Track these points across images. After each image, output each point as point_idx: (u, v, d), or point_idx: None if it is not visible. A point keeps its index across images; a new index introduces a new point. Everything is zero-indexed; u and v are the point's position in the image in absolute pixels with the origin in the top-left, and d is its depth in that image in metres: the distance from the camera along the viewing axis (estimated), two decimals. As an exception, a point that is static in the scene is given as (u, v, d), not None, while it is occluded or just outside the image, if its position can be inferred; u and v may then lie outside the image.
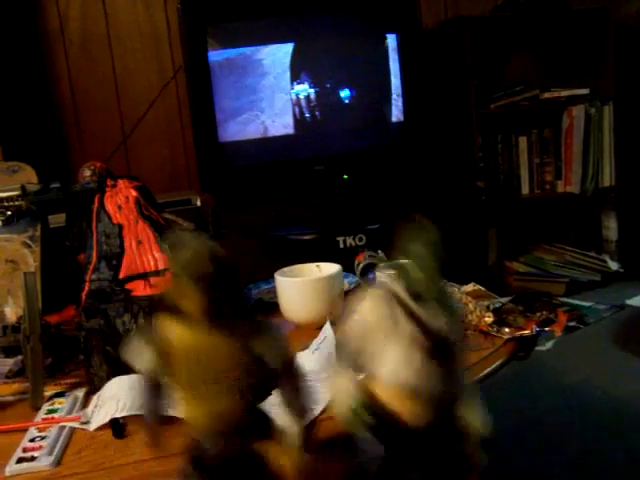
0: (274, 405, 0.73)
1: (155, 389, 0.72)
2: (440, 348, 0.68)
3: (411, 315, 0.68)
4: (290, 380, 0.72)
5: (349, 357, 0.73)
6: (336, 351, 0.76)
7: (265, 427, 0.72)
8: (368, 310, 0.71)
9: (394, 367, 0.69)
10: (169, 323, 0.68)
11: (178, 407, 0.71)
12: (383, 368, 0.70)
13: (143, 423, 0.73)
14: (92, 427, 0.91)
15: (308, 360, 1.04)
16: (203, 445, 0.70)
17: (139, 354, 0.70)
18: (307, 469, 0.70)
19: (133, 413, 0.90)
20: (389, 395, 0.70)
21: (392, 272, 0.72)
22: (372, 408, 0.70)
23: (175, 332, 0.68)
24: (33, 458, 0.84)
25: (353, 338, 0.72)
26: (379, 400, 0.70)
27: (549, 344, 2.59)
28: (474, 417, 0.71)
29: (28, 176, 1.53)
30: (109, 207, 1.12)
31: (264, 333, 0.70)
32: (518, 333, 1.10)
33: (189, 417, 0.70)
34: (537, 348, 2.37)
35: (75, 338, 1.06)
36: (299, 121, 2.69)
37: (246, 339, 0.69)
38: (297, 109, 2.69)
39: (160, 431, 0.73)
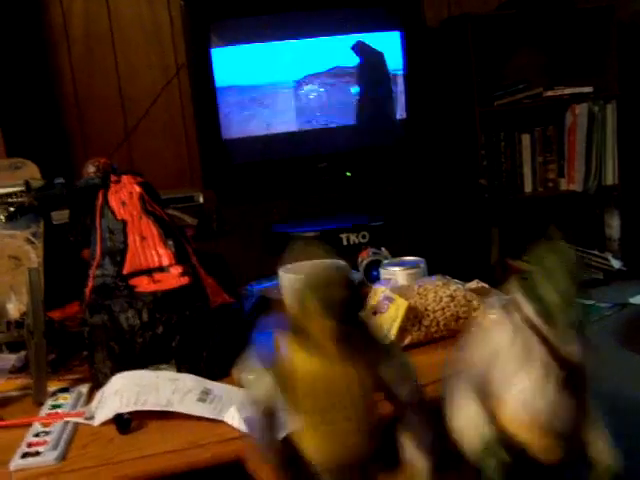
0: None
1: (271, 419, 0.68)
2: (573, 377, 0.64)
3: (544, 341, 0.63)
4: (419, 413, 0.68)
5: (475, 385, 0.68)
6: (461, 378, 0.70)
7: (392, 461, 0.68)
8: (497, 334, 0.66)
9: (525, 397, 0.64)
10: (293, 347, 0.64)
11: (298, 437, 0.67)
12: (513, 398, 0.65)
13: (261, 455, 0.69)
14: (96, 422, 0.91)
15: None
16: (324, 478, 0.66)
17: (257, 379, 0.66)
18: None
19: (137, 409, 0.90)
20: (518, 427, 0.65)
21: (520, 293, 0.66)
22: (502, 442, 0.65)
23: (300, 357, 0.64)
24: (38, 453, 0.84)
25: (480, 364, 0.67)
26: (507, 433, 0.65)
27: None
28: (604, 450, 0.66)
29: (31, 172, 1.52)
30: (113, 203, 1.12)
31: (392, 361, 0.66)
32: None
33: (310, 448, 0.66)
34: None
35: (79, 334, 1.06)
36: (302, 118, 2.69)
37: (375, 368, 0.65)
38: (300, 106, 2.69)
39: (281, 461, 0.68)
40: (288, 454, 0.68)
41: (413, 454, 0.68)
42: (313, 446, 0.65)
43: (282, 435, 0.68)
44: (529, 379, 0.63)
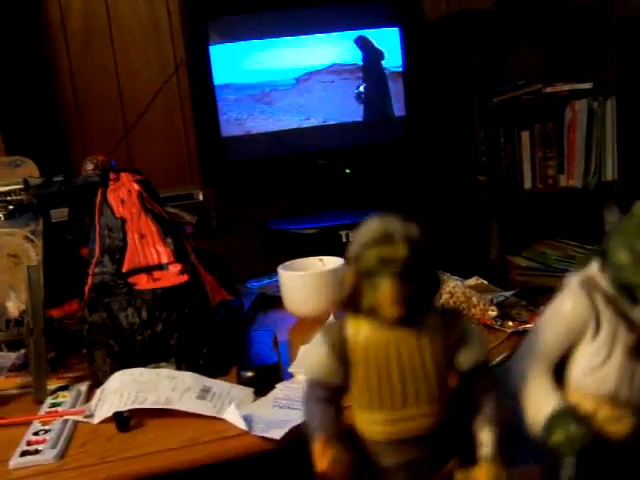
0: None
1: (330, 399, 0.63)
2: None
3: (621, 315, 0.61)
4: (484, 385, 0.63)
5: (546, 359, 0.65)
6: (531, 352, 0.67)
7: (456, 437, 0.64)
8: (569, 306, 0.63)
9: (601, 372, 0.62)
10: (357, 325, 0.60)
11: (355, 413, 0.63)
12: (577, 364, 0.63)
13: (313, 439, 0.63)
14: (96, 420, 0.91)
15: (311, 354, 1.04)
16: (380, 457, 0.62)
17: (314, 357, 0.63)
18: None
19: (137, 407, 0.90)
20: (583, 396, 0.63)
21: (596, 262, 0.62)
22: (572, 415, 0.62)
23: (364, 336, 0.60)
24: (37, 451, 0.84)
25: (551, 337, 0.64)
26: (573, 403, 0.63)
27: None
28: None
29: (30, 170, 1.52)
30: (112, 201, 1.12)
31: (460, 331, 0.61)
32: (522, 327, 1.09)
33: (368, 426, 0.62)
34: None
35: (78, 332, 1.06)
36: (301, 115, 2.69)
37: (443, 340, 0.60)
38: (299, 103, 2.68)
39: (338, 448, 0.62)
40: (343, 431, 0.64)
41: (477, 428, 0.63)
42: (371, 425, 0.62)
43: (337, 410, 0.64)
44: (602, 353, 0.61)
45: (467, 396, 0.63)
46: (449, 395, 0.62)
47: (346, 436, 0.63)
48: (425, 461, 0.63)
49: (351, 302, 0.59)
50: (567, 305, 0.63)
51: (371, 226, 0.59)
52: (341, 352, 0.61)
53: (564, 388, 0.65)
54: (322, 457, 0.62)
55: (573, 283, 0.64)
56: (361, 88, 2.73)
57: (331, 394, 0.64)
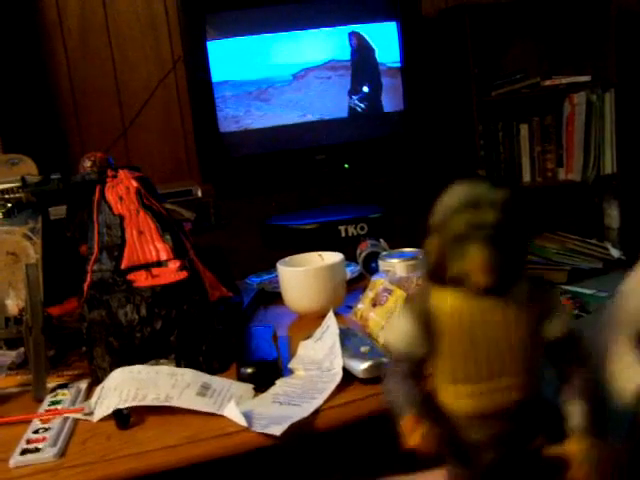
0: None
1: (414, 373, 0.61)
2: None
3: None
4: (572, 356, 0.60)
5: (630, 328, 0.62)
6: (613, 322, 0.64)
7: (542, 410, 0.61)
8: None
9: None
10: (443, 295, 0.57)
11: (442, 393, 0.61)
12: None
13: (399, 415, 0.61)
14: (95, 418, 0.91)
15: (311, 349, 1.04)
16: (466, 431, 0.60)
17: (399, 329, 0.60)
18: (594, 455, 0.59)
19: (136, 404, 0.90)
20: None
21: None
22: None
23: (451, 306, 0.57)
24: (37, 449, 0.84)
25: (635, 306, 0.61)
26: None
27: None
28: None
29: (28, 168, 1.52)
30: (110, 198, 1.12)
31: (549, 301, 0.58)
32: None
33: (453, 400, 0.60)
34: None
35: (77, 330, 1.06)
36: (299, 110, 2.68)
37: (531, 310, 0.57)
38: (297, 98, 2.68)
39: (428, 424, 0.59)
40: (427, 405, 0.62)
41: (565, 400, 0.60)
42: (456, 397, 0.59)
43: (421, 384, 0.62)
44: None
45: (554, 368, 0.61)
46: (535, 367, 0.59)
47: (431, 411, 0.61)
48: (511, 436, 0.60)
49: (436, 271, 0.57)
50: None
51: (458, 191, 0.57)
52: (426, 323, 0.58)
53: None
54: (413, 433, 0.59)
55: None
56: (359, 83, 2.72)
57: (415, 367, 0.61)
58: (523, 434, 0.61)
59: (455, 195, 0.56)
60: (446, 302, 0.57)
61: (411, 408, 0.60)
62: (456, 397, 0.60)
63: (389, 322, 1.01)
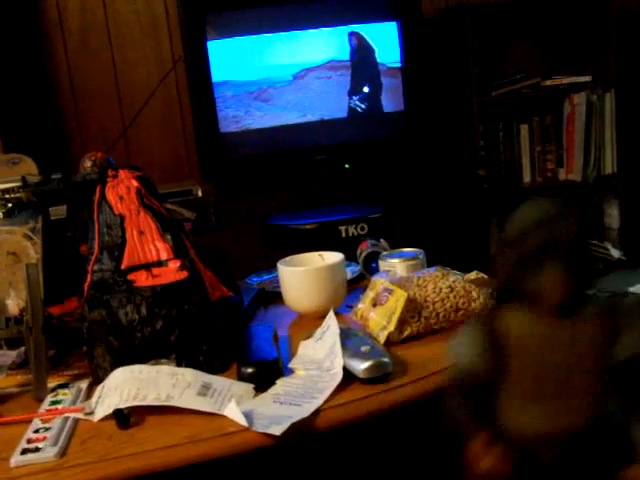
0: None
1: (480, 392, 0.60)
2: None
3: None
4: None
5: None
6: None
7: (613, 440, 0.60)
8: None
9: None
10: (512, 313, 0.57)
11: (509, 413, 0.59)
12: None
13: (468, 436, 0.60)
14: (96, 418, 0.91)
15: (312, 349, 1.04)
16: (541, 462, 0.58)
17: (465, 347, 0.60)
18: None
19: (137, 404, 0.90)
20: None
21: None
22: None
23: (520, 324, 0.56)
24: (37, 449, 0.84)
25: None
26: None
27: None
28: None
29: (28, 168, 1.52)
30: (110, 198, 1.12)
31: (617, 322, 0.56)
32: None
33: (518, 420, 0.59)
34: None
35: (78, 329, 1.06)
36: (300, 110, 2.68)
37: (600, 331, 0.56)
38: (298, 98, 2.68)
39: (501, 446, 0.58)
40: (493, 426, 0.61)
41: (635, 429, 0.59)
42: (522, 419, 0.58)
43: (488, 405, 0.61)
44: None
45: (621, 390, 0.60)
46: (603, 389, 0.58)
47: (496, 432, 0.60)
48: (577, 458, 0.59)
49: (506, 288, 0.56)
50: None
51: (533, 209, 0.55)
52: (494, 342, 0.57)
53: None
54: (485, 456, 0.58)
55: None
56: (360, 83, 2.72)
57: (481, 387, 0.60)
58: (589, 457, 0.60)
59: (530, 212, 0.55)
60: (516, 322, 0.56)
61: (481, 428, 0.59)
62: (522, 417, 0.59)
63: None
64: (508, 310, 0.57)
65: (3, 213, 1.22)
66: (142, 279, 1.05)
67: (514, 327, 0.56)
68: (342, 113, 2.73)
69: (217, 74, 2.58)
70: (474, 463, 0.59)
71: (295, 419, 0.84)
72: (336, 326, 1.02)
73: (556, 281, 0.53)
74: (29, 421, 0.92)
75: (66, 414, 0.93)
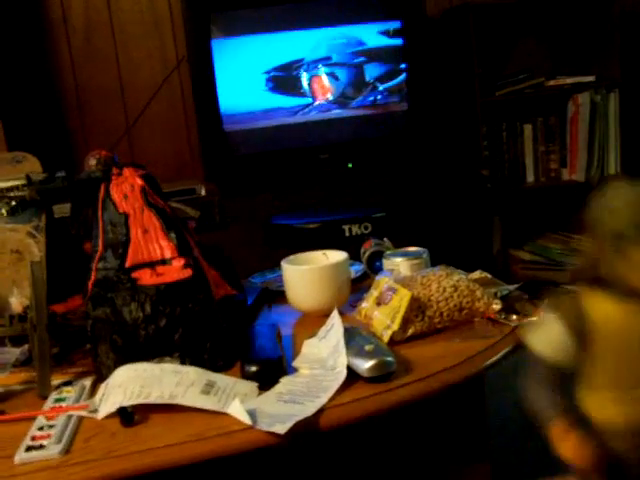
0: None
1: (561, 379, 0.59)
2: None
3: None
4: None
5: None
6: None
7: None
8: None
9: None
10: (596, 299, 0.55)
11: (590, 402, 0.58)
12: None
13: (546, 423, 0.58)
14: (100, 415, 0.91)
15: (315, 348, 1.04)
16: (622, 451, 0.57)
17: (546, 335, 0.58)
18: None
19: (141, 402, 0.90)
20: None
21: None
22: None
23: (605, 310, 0.55)
24: (42, 446, 0.84)
25: None
26: None
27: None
28: None
29: (32, 166, 1.52)
30: (115, 196, 1.12)
31: None
32: (526, 320, 1.09)
33: (603, 408, 0.57)
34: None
35: (81, 328, 1.06)
36: (303, 109, 2.68)
37: None
38: (301, 97, 2.68)
39: (581, 433, 0.56)
40: (575, 415, 0.60)
41: None
42: (612, 413, 0.56)
43: (571, 394, 0.60)
44: None
45: None
46: None
47: (579, 421, 0.59)
48: None
49: (589, 272, 0.54)
50: None
51: (619, 190, 0.54)
52: (579, 328, 0.55)
53: None
54: (566, 443, 0.57)
55: None
56: (363, 81, 2.72)
57: (562, 374, 0.59)
58: None
59: (619, 194, 0.54)
60: (599, 306, 0.54)
61: (561, 416, 0.58)
62: (607, 405, 0.57)
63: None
64: (593, 296, 0.55)
65: (7, 211, 1.22)
66: (146, 277, 1.05)
67: (600, 313, 0.54)
68: (345, 112, 2.73)
69: (221, 72, 2.58)
70: (556, 450, 0.59)
71: (299, 418, 0.84)
72: (340, 325, 1.02)
73: None
74: (33, 418, 0.92)
75: (70, 412, 0.93)
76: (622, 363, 0.54)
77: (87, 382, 1.03)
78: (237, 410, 0.87)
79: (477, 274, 1.28)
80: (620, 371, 0.54)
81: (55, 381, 1.03)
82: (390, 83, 2.75)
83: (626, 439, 0.56)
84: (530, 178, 3.17)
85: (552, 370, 0.59)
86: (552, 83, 3.06)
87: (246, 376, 0.97)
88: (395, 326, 1.06)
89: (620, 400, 0.55)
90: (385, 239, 1.45)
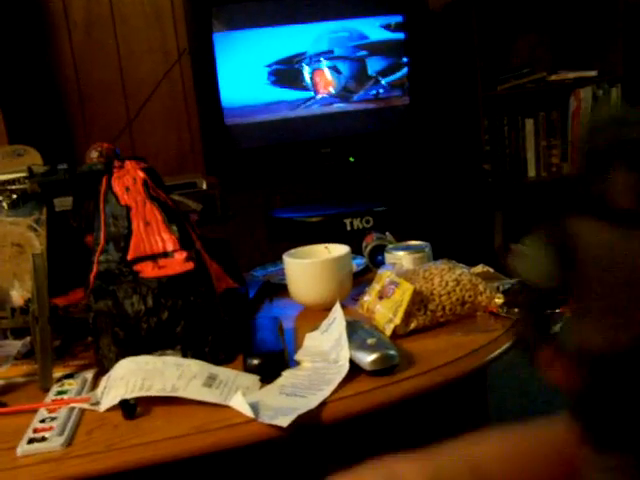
0: None
1: (546, 302, 0.57)
2: None
3: None
4: None
5: None
6: None
7: None
8: None
9: None
10: (581, 221, 0.52)
11: (576, 328, 0.55)
12: None
13: (529, 346, 0.58)
14: (102, 408, 0.91)
15: (318, 341, 1.03)
16: (594, 376, 0.54)
17: (532, 258, 0.56)
18: None
19: (143, 394, 0.90)
20: None
21: None
22: None
23: (590, 232, 0.52)
24: (44, 439, 0.84)
25: None
26: None
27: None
28: None
29: (33, 159, 1.52)
30: (116, 188, 1.11)
31: None
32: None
33: (585, 338, 0.54)
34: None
35: (83, 320, 1.06)
36: (305, 103, 2.68)
37: None
38: (303, 91, 2.68)
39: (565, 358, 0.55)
40: (560, 341, 0.58)
41: None
42: (588, 336, 0.54)
43: (557, 320, 0.58)
44: None
45: None
46: None
47: (564, 347, 0.57)
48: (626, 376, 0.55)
49: (577, 193, 0.52)
50: None
51: (603, 108, 0.53)
52: (562, 253, 0.53)
53: None
54: (551, 367, 0.56)
55: None
56: (365, 75, 2.72)
57: (548, 300, 0.57)
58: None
59: (599, 112, 0.52)
60: (585, 231, 0.52)
61: (546, 342, 0.57)
62: (593, 331, 0.54)
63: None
64: (577, 219, 0.52)
65: (8, 204, 1.21)
66: (148, 270, 1.05)
67: (583, 237, 0.52)
68: (347, 106, 2.73)
69: (222, 65, 2.58)
70: (544, 375, 0.58)
71: (301, 411, 0.84)
72: (342, 318, 1.02)
73: (625, 184, 0.49)
74: (35, 411, 0.92)
75: (72, 404, 0.93)
76: (608, 288, 0.52)
77: (89, 375, 1.03)
78: (239, 403, 0.87)
79: (479, 268, 1.28)
80: (606, 297, 0.52)
81: (57, 374, 1.02)
82: (392, 77, 2.74)
83: (609, 365, 0.54)
84: (531, 172, 3.17)
85: (538, 296, 0.57)
86: (554, 77, 3.06)
87: (248, 369, 0.97)
88: (397, 320, 1.06)
89: (607, 326, 0.53)
90: (387, 233, 1.45)
